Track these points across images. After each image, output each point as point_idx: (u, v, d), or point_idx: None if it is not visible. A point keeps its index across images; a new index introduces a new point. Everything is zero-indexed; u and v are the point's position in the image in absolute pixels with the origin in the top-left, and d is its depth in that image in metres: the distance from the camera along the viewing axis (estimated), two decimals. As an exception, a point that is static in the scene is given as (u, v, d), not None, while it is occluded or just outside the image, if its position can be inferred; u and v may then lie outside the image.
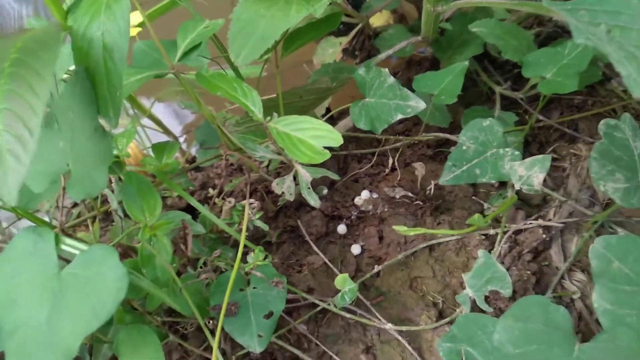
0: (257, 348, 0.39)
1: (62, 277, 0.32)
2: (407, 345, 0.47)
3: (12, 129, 0.28)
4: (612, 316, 0.36)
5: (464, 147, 0.49)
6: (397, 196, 0.54)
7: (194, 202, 0.43)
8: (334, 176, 0.49)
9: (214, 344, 0.38)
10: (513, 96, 0.61)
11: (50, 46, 0.33)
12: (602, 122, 0.44)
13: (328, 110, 0.70)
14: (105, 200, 0.50)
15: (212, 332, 0.41)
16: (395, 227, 0.46)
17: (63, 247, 0.33)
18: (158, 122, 0.61)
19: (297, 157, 0.38)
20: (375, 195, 0.57)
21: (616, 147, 0.43)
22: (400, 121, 0.63)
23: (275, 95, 0.52)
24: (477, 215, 0.45)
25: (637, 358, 0.34)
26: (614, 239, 0.37)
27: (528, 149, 0.61)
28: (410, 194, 0.54)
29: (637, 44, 0.35)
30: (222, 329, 0.40)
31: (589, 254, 0.37)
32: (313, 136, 0.38)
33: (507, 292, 0.41)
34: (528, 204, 0.55)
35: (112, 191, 0.43)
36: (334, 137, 0.38)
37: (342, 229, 0.56)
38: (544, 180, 0.57)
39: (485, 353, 0.38)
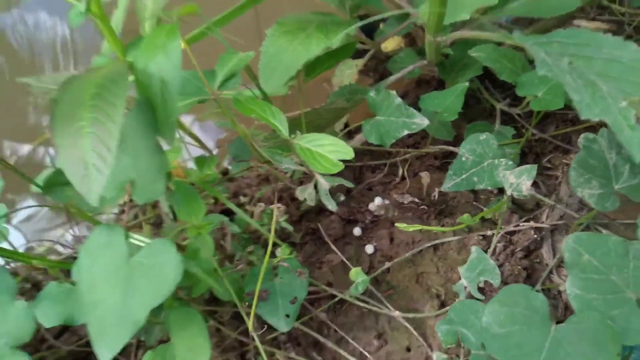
0: (284, 328, 0.47)
1: (130, 264, 0.40)
2: (413, 331, 0.54)
3: (96, 149, 0.37)
4: (582, 300, 0.43)
5: (463, 158, 0.57)
6: (405, 202, 0.61)
7: (232, 206, 0.52)
8: (349, 184, 0.57)
9: (249, 323, 0.46)
10: (511, 112, 0.68)
11: (120, 82, 0.41)
12: (581, 135, 0.51)
13: (346, 125, 0.78)
14: (154, 206, 0.58)
15: (247, 315, 0.49)
16: (397, 225, 0.54)
17: (131, 239, 0.42)
18: (196, 138, 0.69)
19: (316, 169, 0.45)
20: (386, 202, 0.64)
21: (593, 158, 0.50)
22: (410, 135, 0.70)
23: (298, 112, 0.61)
24: (466, 215, 0.52)
25: (600, 334, 0.41)
26: (585, 235, 0.44)
27: (525, 159, 0.67)
28: (417, 200, 0.62)
29: (599, 72, 0.42)
30: (255, 314, 0.48)
31: (563, 248, 0.44)
32: (330, 151, 0.46)
33: (496, 282, 0.48)
34: (523, 209, 0.62)
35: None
36: (347, 151, 0.45)
37: (357, 231, 0.63)
38: (539, 187, 0.64)
39: (477, 333, 0.45)
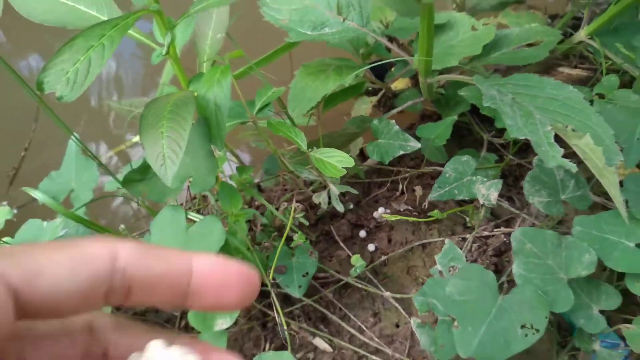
0: (297, 294, 0.61)
1: (188, 233, 0.55)
2: (402, 310, 0.68)
3: (170, 147, 0.53)
4: (524, 278, 0.56)
5: (447, 175, 0.71)
6: (402, 209, 0.76)
7: (262, 200, 0.67)
8: (354, 192, 0.72)
9: (272, 295, 0.60)
10: (494, 142, 0.82)
11: (188, 104, 0.58)
12: (536, 157, 0.65)
13: (361, 150, 0.93)
14: (205, 199, 0.75)
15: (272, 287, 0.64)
16: (383, 215, 0.68)
17: (189, 216, 0.58)
18: (236, 156, 0.86)
19: (326, 173, 0.61)
20: (388, 211, 0.78)
21: (544, 175, 0.63)
22: (411, 158, 0.86)
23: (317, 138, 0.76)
24: (436, 211, 0.66)
25: (534, 302, 0.53)
26: (528, 229, 0.57)
27: (506, 181, 0.81)
28: (410, 208, 0.76)
29: (539, 106, 0.56)
30: (275, 292, 0.62)
31: (512, 238, 0.57)
32: (337, 160, 0.61)
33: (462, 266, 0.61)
34: (499, 218, 0.75)
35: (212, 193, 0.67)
36: (349, 161, 0.60)
37: (362, 234, 0.78)
38: (514, 202, 0.77)
39: (443, 301, 0.58)
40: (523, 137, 0.50)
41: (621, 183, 0.58)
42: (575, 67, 0.96)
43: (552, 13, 1.08)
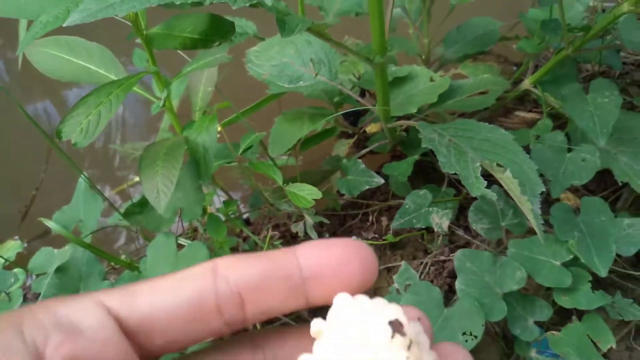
0: (273, 310, 0.71)
1: (178, 256, 0.65)
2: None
3: (164, 182, 0.64)
4: (464, 292, 0.65)
5: (407, 206, 0.81)
6: (370, 237, 0.85)
7: (245, 229, 0.77)
8: (326, 221, 0.82)
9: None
10: (454, 179, 0.93)
11: (180, 147, 0.69)
12: (480, 190, 0.75)
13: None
14: (194, 229, 0.85)
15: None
16: (354, 238, 0.78)
17: (179, 242, 0.68)
18: (224, 190, 0.97)
19: (298, 204, 0.71)
20: (358, 239, 0.88)
21: (486, 205, 0.74)
22: (382, 193, 0.96)
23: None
24: (389, 235, 0.76)
25: (473, 312, 0.63)
26: (467, 250, 0.67)
27: (463, 212, 0.91)
28: (377, 236, 0.86)
29: (474, 146, 0.67)
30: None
31: (454, 258, 0.67)
32: (307, 193, 0.71)
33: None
34: (456, 246, 0.85)
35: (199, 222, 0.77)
36: (317, 194, 0.71)
37: (337, 260, 0.87)
38: (469, 231, 0.87)
39: (397, 314, 0.67)
40: (453, 172, 0.61)
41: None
42: (530, 111, 1.08)
43: (518, 61, 1.21)
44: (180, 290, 0.20)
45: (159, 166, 0.64)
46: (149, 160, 0.66)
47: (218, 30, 0.55)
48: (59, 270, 0.68)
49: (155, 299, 0.20)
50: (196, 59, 0.70)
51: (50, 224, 0.70)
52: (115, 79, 0.72)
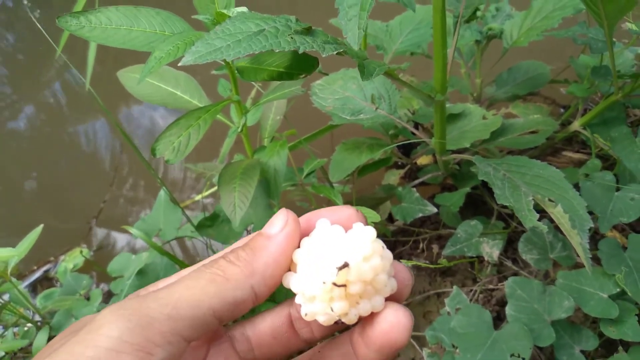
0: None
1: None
2: (417, 347, 0.80)
3: (241, 198, 0.71)
4: (514, 317, 0.69)
5: (459, 235, 0.86)
6: (422, 265, 0.90)
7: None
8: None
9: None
10: (503, 212, 0.97)
11: (256, 169, 0.76)
12: (530, 223, 0.79)
13: (390, 214, 1.09)
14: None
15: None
16: (402, 261, 0.82)
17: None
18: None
19: (357, 226, 0.77)
20: (409, 265, 0.93)
21: (535, 237, 0.77)
22: (432, 222, 1.01)
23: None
24: (444, 259, 0.80)
25: (521, 336, 0.66)
26: (518, 278, 0.71)
27: (512, 245, 0.94)
28: (428, 262, 0.90)
29: (526, 181, 0.72)
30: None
31: (505, 285, 0.71)
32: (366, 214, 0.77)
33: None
34: (504, 275, 0.88)
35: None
36: (375, 217, 0.76)
37: (387, 283, 0.92)
38: (517, 262, 0.91)
39: (448, 334, 0.71)
40: (507, 204, 0.66)
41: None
42: (577, 151, 1.11)
43: (565, 103, 1.25)
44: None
45: (236, 183, 0.72)
46: (227, 178, 0.73)
47: (302, 64, 0.62)
48: (140, 273, 0.76)
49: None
50: (272, 90, 0.78)
51: (133, 231, 0.77)
52: (199, 104, 0.81)
